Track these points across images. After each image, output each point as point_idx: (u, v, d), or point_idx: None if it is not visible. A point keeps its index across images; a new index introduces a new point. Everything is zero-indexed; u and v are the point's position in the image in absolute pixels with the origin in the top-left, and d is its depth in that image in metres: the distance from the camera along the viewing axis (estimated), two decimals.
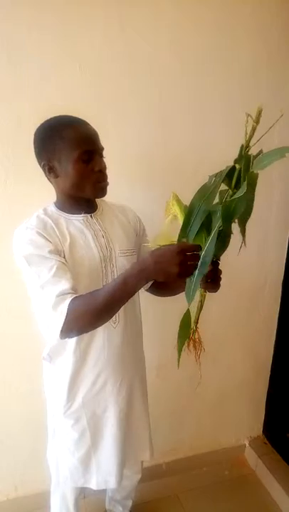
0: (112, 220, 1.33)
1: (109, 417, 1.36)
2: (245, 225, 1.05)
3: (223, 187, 1.09)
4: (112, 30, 1.52)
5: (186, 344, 1.18)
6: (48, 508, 1.62)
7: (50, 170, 1.17)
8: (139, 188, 1.67)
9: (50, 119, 1.16)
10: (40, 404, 1.51)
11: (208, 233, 1.06)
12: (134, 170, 1.66)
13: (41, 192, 1.32)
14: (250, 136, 1.05)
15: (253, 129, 1.02)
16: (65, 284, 1.07)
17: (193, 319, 1.18)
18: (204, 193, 1.05)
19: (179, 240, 1.05)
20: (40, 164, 1.18)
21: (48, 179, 1.21)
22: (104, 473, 1.39)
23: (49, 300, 1.06)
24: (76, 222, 1.23)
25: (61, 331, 1.05)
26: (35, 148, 1.18)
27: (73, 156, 1.12)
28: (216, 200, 1.09)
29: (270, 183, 1.91)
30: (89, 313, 1.05)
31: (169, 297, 1.43)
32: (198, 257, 1.01)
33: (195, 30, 1.62)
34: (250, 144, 1.06)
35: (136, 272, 1.02)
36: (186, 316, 1.11)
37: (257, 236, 1.97)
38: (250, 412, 2.34)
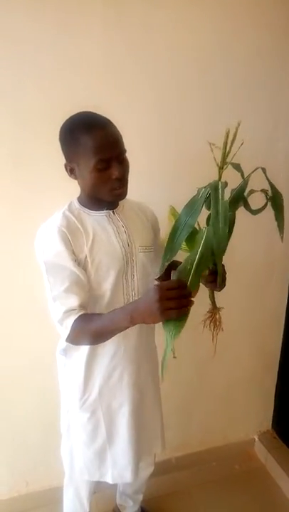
0: (132, 216, 1.35)
1: (124, 410, 1.37)
2: (220, 263, 1.04)
3: None
4: (110, 16, 1.52)
5: (206, 323, 1.19)
6: (59, 503, 1.64)
7: (71, 171, 1.20)
8: (147, 186, 1.63)
9: (72, 118, 1.17)
10: (51, 401, 1.52)
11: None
12: (144, 165, 1.64)
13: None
14: (224, 155, 1.04)
15: (224, 153, 1.03)
16: (74, 301, 1.13)
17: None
18: (191, 207, 1.03)
19: (162, 260, 1.01)
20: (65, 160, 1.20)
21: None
22: (120, 468, 1.40)
23: (57, 314, 1.14)
24: (99, 218, 1.26)
25: (67, 341, 1.15)
26: (60, 145, 1.20)
27: (90, 164, 1.13)
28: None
29: (276, 168, 1.84)
30: (87, 336, 1.13)
31: None
32: (183, 294, 0.95)
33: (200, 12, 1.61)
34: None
35: (125, 316, 1.04)
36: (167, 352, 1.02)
37: (264, 225, 1.93)
38: (259, 406, 2.35)
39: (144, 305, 0.97)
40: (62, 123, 1.18)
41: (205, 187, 1.05)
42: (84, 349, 1.28)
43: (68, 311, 1.13)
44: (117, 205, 1.32)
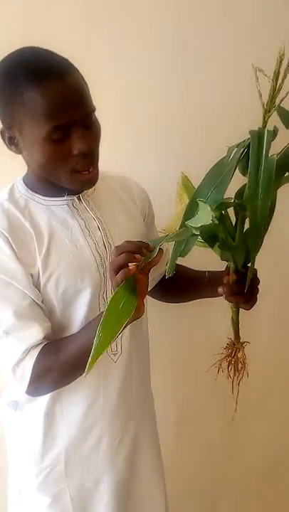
0: (110, 201, 1.01)
1: (104, 491, 1.04)
2: (254, 259, 0.78)
3: None
4: None
5: (222, 365, 0.91)
6: None
7: (10, 141, 0.86)
8: (146, 153, 1.29)
9: (10, 60, 0.82)
10: None
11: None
12: (139, 128, 1.29)
13: None
14: (273, 98, 0.76)
15: (275, 89, 0.75)
16: (36, 332, 0.89)
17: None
18: (218, 174, 0.77)
19: (172, 255, 0.80)
20: None
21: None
22: None
23: (12, 356, 0.89)
24: (57, 209, 0.93)
25: (28, 393, 0.92)
26: None
27: (39, 133, 0.80)
28: None
29: None
30: (55, 374, 0.89)
31: (193, 319, 1.16)
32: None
33: None
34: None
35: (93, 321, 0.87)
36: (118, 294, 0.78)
37: None
38: None
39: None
40: None
41: (239, 144, 0.77)
42: (44, 400, 0.98)
43: (31, 347, 0.88)
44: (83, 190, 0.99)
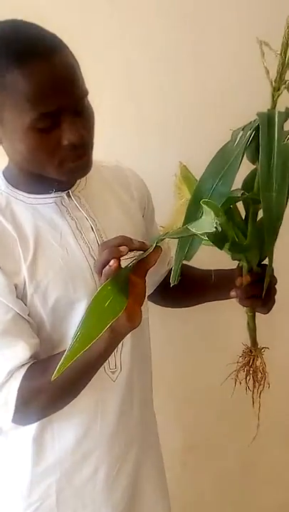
0: (104, 196, 0.91)
1: None
2: (271, 255, 0.69)
3: None
4: None
5: (239, 376, 0.83)
6: None
7: None
8: (148, 140, 1.18)
9: None
10: None
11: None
12: (140, 111, 1.17)
13: None
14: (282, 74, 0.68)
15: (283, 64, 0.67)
16: (23, 351, 0.79)
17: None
18: (223, 162, 0.69)
19: (176, 258, 0.73)
20: None
21: None
22: None
23: None
24: (43, 209, 0.82)
25: (14, 421, 0.80)
26: None
27: (22, 121, 0.70)
28: None
29: None
30: (44, 399, 0.79)
31: (200, 327, 1.04)
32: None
33: None
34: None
35: None
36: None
37: None
38: None
39: None
40: None
41: (245, 127, 0.68)
42: (32, 426, 0.88)
43: (14, 371, 0.78)
44: (74, 181, 0.88)
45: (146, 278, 0.77)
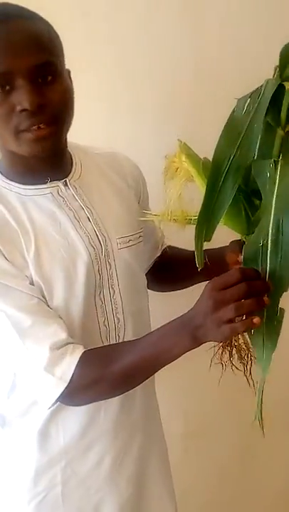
0: (99, 185, 0.89)
1: None
2: None
3: None
4: None
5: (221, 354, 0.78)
6: None
7: None
8: (145, 123, 1.14)
9: None
10: None
11: (249, 207, 0.70)
12: (137, 92, 1.13)
13: None
14: None
15: None
16: (59, 331, 0.78)
17: None
18: (235, 131, 0.66)
19: (196, 241, 0.66)
20: None
21: None
22: None
23: (39, 357, 0.77)
24: (40, 200, 0.82)
25: (56, 400, 0.78)
26: None
27: None
28: None
29: None
30: (104, 383, 0.78)
31: None
32: (252, 290, 0.63)
33: None
34: None
35: (175, 325, 0.74)
36: None
37: None
38: None
39: (199, 316, 0.68)
40: None
41: (252, 93, 0.65)
42: (35, 415, 0.88)
43: (57, 347, 0.77)
44: (69, 166, 0.86)
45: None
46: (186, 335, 0.70)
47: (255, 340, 0.68)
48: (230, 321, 0.62)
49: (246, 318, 0.63)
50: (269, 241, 0.60)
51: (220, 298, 0.63)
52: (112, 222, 0.87)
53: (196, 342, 0.70)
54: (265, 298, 0.62)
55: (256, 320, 0.61)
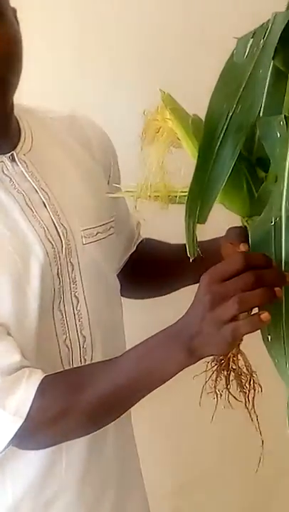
0: (57, 159, 0.77)
1: None
2: None
3: None
4: None
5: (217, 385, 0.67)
6: None
7: None
8: (116, 68, 1.01)
9: None
10: None
11: (253, 181, 0.60)
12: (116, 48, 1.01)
13: None
14: None
15: None
16: (10, 352, 0.67)
17: None
18: (235, 80, 0.57)
19: (190, 202, 0.55)
20: None
21: None
22: None
23: None
24: None
25: (9, 442, 0.65)
26: None
27: None
28: None
29: None
30: (72, 417, 0.66)
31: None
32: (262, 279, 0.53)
33: None
34: None
35: (163, 336, 0.63)
36: None
37: None
38: None
39: (195, 321, 0.57)
40: None
41: (256, 32, 0.56)
42: None
43: (9, 372, 0.65)
44: (17, 133, 0.74)
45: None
46: (179, 347, 0.58)
47: (275, 348, 0.58)
48: (233, 319, 0.52)
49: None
50: (283, 218, 0.51)
51: (220, 291, 0.53)
52: (74, 209, 0.74)
53: (193, 356, 0.59)
54: (277, 289, 0.51)
55: (264, 316, 0.51)
